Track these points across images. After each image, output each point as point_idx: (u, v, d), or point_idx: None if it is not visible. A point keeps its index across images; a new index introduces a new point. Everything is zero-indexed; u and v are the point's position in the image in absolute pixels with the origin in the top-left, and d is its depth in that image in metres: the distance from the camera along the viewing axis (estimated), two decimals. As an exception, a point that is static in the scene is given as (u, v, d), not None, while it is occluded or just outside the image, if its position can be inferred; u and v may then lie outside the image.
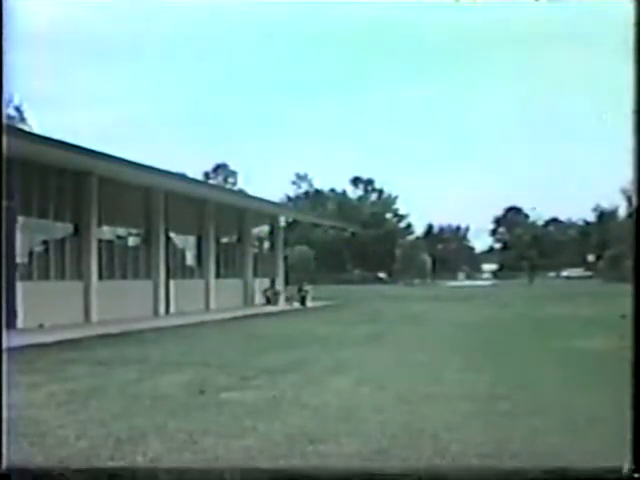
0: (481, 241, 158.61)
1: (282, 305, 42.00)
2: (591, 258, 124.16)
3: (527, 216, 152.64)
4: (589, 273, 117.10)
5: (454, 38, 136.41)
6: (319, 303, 43.23)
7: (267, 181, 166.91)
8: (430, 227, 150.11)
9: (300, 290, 44.59)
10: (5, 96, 6.18)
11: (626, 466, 5.67)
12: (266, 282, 44.48)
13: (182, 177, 38.92)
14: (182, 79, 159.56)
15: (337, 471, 6.77)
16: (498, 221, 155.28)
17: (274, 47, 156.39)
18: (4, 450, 6.45)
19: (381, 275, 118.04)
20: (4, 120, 10.05)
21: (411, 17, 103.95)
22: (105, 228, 29.68)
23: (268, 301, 42.99)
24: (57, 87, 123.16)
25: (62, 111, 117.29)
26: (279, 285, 45.91)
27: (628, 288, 5.88)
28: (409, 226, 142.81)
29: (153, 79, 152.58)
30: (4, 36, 5.91)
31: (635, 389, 5.69)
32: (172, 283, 33.83)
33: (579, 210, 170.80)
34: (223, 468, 6.86)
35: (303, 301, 43.01)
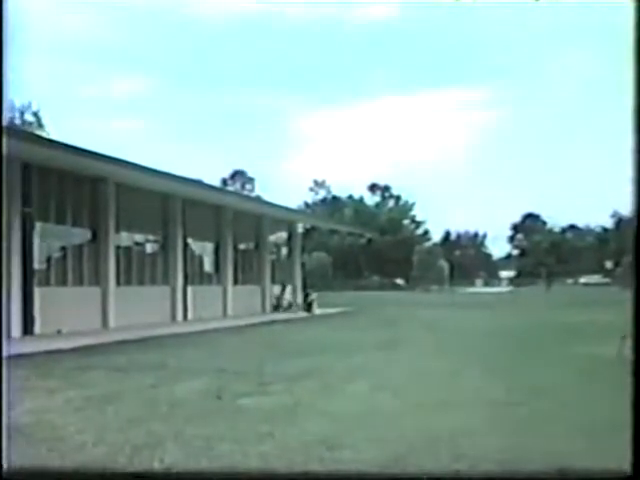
0: (499, 248, 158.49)
1: (290, 313, 41.36)
2: (609, 265, 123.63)
3: (545, 223, 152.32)
4: (607, 280, 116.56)
5: (465, 40, 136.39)
6: (333, 310, 42.96)
7: (285, 188, 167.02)
8: (447, 233, 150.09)
9: (306, 297, 44.00)
10: (5, 97, 6.18)
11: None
12: (286, 290, 44.42)
13: (199, 184, 38.94)
14: (197, 84, 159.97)
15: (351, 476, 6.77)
16: (516, 228, 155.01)
17: (292, 53, 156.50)
18: (4, 451, 6.47)
19: (398, 281, 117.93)
20: (4, 121, 10.13)
21: (420, 20, 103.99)
22: (123, 234, 29.73)
23: (276, 308, 42.57)
24: (70, 93, 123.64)
25: (76, 118, 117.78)
26: (290, 292, 45.25)
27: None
28: (426, 232, 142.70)
29: (167, 85, 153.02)
30: (5, 39, 5.93)
31: (635, 390, 5.67)
32: (190, 289, 33.86)
33: (597, 217, 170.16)
34: (231, 472, 6.86)
35: (309, 308, 42.15)
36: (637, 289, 5.83)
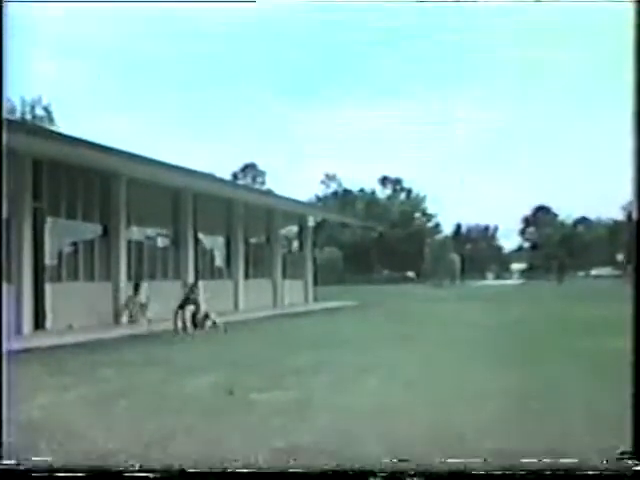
0: (510, 241, 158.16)
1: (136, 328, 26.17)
2: (620, 257, 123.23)
3: (556, 215, 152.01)
4: (618, 272, 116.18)
5: (469, 38, 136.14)
6: (335, 303, 42.78)
7: (296, 181, 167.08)
8: (459, 227, 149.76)
9: (141, 306, 28.27)
10: (5, 96, 6.19)
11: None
12: (296, 284, 44.18)
13: (211, 177, 38.91)
14: (207, 78, 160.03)
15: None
16: (527, 221, 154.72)
17: (304, 48, 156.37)
18: (4, 450, 6.45)
19: (410, 275, 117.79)
20: (4, 116, 10.14)
21: (425, 20, 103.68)
22: (134, 229, 29.72)
23: (130, 317, 28.04)
24: (80, 91, 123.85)
25: (87, 113, 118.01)
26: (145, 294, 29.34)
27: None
28: (437, 226, 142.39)
29: (178, 82, 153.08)
30: (5, 37, 5.92)
31: (635, 388, 5.66)
32: (201, 284, 33.81)
33: (608, 209, 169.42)
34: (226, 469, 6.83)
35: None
36: (637, 288, 5.84)
